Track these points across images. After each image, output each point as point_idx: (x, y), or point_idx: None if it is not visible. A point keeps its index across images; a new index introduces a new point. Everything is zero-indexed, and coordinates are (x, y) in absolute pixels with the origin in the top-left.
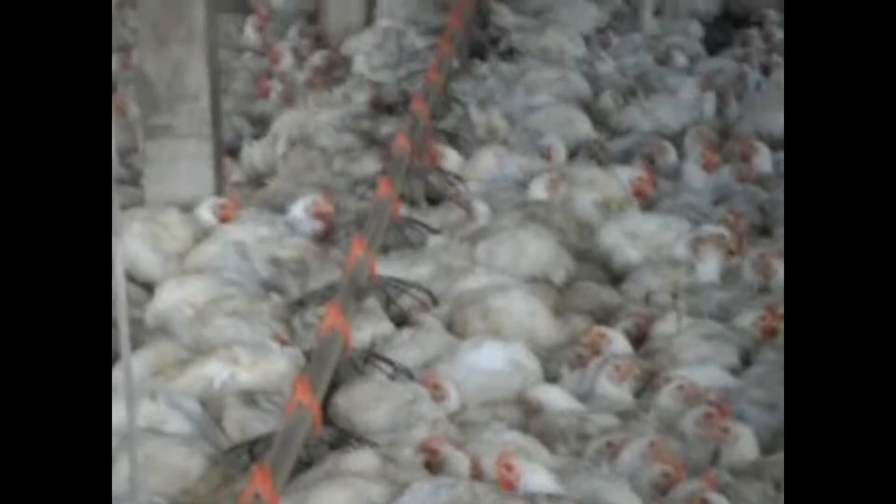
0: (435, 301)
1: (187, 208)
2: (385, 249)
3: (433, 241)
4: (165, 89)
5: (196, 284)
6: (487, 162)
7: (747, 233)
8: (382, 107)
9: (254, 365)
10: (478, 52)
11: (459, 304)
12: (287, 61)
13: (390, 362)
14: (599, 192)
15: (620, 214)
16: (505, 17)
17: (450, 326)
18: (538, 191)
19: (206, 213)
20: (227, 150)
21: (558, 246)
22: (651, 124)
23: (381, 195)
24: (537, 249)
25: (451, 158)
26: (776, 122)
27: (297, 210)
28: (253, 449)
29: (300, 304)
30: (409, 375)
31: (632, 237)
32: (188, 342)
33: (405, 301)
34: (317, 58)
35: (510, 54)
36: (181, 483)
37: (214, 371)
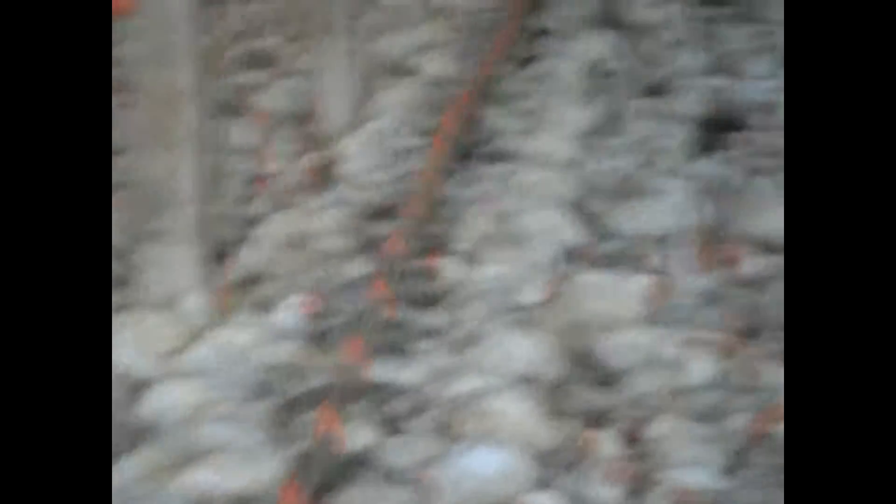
0: (427, 405)
1: (177, 310)
2: (379, 351)
3: (426, 343)
4: (157, 194)
5: (186, 388)
6: (480, 266)
7: (738, 335)
8: (375, 208)
9: (244, 471)
10: (469, 153)
11: (453, 406)
12: (278, 163)
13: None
14: (594, 297)
15: (620, 324)
16: (496, 118)
17: (442, 430)
18: (531, 294)
19: (195, 305)
20: (219, 254)
21: (550, 347)
22: (637, 227)
23: (375, 296)
24: (528, 351)
25: (446, 262)
26: (763, 225)
27: (284, 310)
28: None
29: (293, 407)
30: (401, 480)
31: (632, 346)
32: (178, 446)
33: (397, 405)
34: (309, 159)
35: (500, 156)
36: None
37: (204, 477)
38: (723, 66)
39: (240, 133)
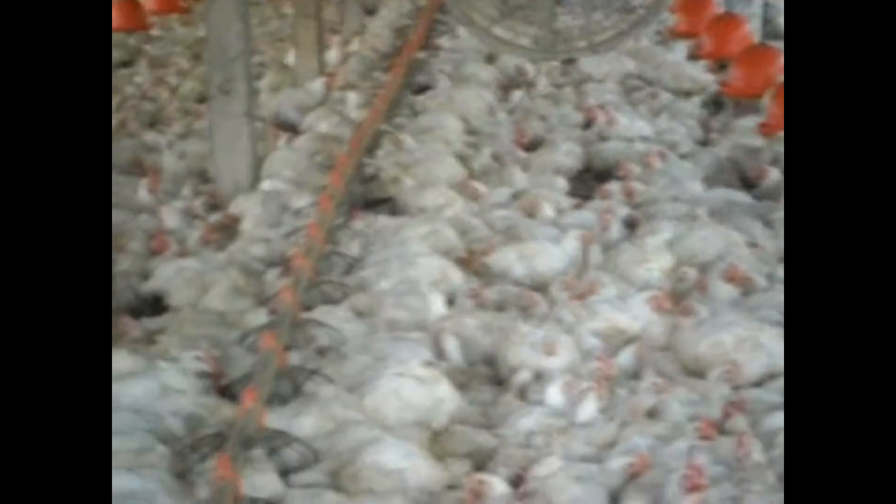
0: (316, 457)
1: None
2: (273, 401)
3: (325, 390)
4: None
5: None
6: (371, 316)
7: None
8: (268, 264)
9: None
10: (358, 206)
11: (342, 459)
12: (175, 219)
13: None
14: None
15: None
16: (382, 173)
17: (336, 481)
18: (423, 341)
19: None
20: (125, 308)
21: (442, 393)
22: (524, 270)
23: (267, 347)
24: (421, 397)
25: (338, 313)
26: (645, 275)
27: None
28: None
29: (191, 450)
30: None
31: None
32: None
33: (290, 454)
34: (210, 217)
35: (387, 209)
36: None
37: None
38: (596, 120)
39: (143, 192)
